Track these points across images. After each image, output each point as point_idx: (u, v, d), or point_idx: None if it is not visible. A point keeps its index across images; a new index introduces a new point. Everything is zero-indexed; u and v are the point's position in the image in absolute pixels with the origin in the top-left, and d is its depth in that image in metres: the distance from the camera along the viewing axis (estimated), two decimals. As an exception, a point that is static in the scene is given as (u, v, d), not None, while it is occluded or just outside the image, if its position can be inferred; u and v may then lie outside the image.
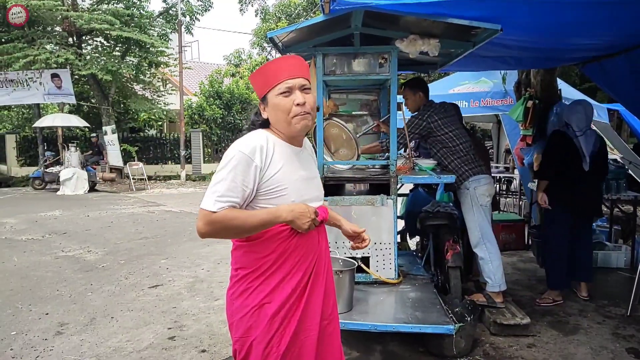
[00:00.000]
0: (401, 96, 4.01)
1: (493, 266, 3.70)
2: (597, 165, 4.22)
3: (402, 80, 4.44)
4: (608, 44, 4.13)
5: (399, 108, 3.89)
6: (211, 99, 19.53)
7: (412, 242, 5.55)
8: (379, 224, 3.53)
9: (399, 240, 5.34)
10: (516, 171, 9.05)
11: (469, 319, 3.48)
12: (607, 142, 8.53)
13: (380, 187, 3.62)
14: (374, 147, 4.01)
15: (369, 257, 3.54)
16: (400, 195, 5.28)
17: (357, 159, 3.70)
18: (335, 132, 3.73)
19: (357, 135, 4.58)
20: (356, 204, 3.49)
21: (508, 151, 11.43)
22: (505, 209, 8.93)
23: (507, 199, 9.42)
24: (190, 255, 6.21)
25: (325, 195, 2.84)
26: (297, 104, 1.70)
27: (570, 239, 4.26)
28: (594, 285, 4.64)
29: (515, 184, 9.76)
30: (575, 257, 4.30)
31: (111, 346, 3.58)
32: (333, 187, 3.65)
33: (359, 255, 3.52)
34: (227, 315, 1.84)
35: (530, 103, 5.94)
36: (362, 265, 3.50)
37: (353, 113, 4.57)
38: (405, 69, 4.64)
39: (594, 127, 4.68)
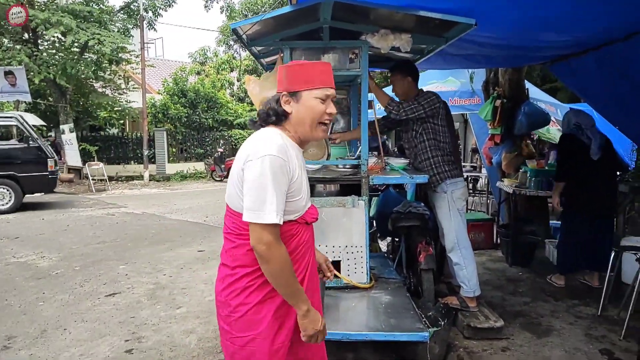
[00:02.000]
0: (372, 94, 3.84)
1: (468, 272, 3.60)
2: (606, 160, 4.48)
3: (378, 75, 4.27)
4: (578, 42, 4.11)
5: (370, 106, 3.74)
6: (175, 97, 19.03)
7: (383, 244, 5.45)
8: (350, 226, 3.38)
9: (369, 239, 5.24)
10: (483, 170, 9.12)
11: (442, 323, 3.39)
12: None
13: (351, 187, 3.48)
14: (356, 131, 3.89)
15: (340, 260, 3.38)
16: (371, 195, 5.17)
17: (327, 159, 3.54)
18: (304, 131, 3.55)
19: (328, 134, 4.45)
20: (326, 206, 3.33)
21: (475, 150, 11.56)
22: (472, 208, 8.98)
23: (474, 198, 9.48)
24: (152, 260, 5.91)
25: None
26: (329, 114, 1.75)
27: (589, 232, 4.49)
28: (563, 284, 4.66)
29: (482, 182, 9.84)
30: (593, 249, 4.49)
31: (62, 362, 3.30)
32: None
33: (329, 260, 3.35)
34: (219, 318, 1.80)
35: (498, 102, 5.94)
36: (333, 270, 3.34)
37: (322, 111, 4.40)
38: (376, 65, 4.51)
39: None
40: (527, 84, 6.63)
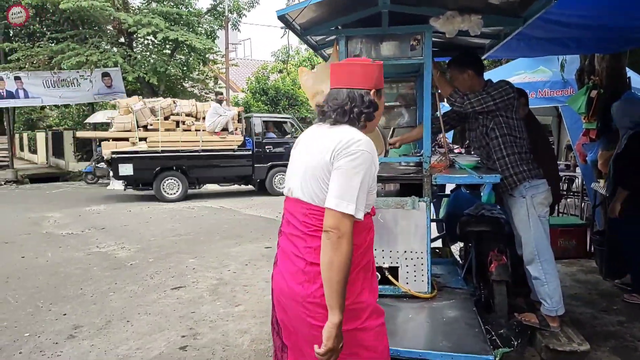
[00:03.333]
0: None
1: (549, 288, 3.12)
2: None
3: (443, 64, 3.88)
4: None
5: (436, 100, 3.41)
6: (257, 94, 19.48)
7: (456, 248, 5.04)
8: (409, 230, 3.09)
9: (440, 245, 4.87)
10: (578, 169, 8.24)
11: (515, 343, 3.00)
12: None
13: (411, 187, 3.17)
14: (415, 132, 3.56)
15: (398, 267, 3.10)
16: (441, 195, 4.79)
17: (385, 155, 3.27)
18: (362, 125, 3.31)
19: (392, 129, 4.15)
20: (383, 207, 3.07)
21: (569, 147, 10.51)
22: (565, 211, 8.14)
23: (568, 200, 8.60)
24: (220, 254, 5.98)
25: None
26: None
27: None
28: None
29: (577, 183, 8.91)
30: None
31: (119, 354, 3.36)
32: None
33: (385, 265, 3.10)
34: (302, 325, 1.72)
35: (594, 93, 5.26)
36: (389, 276, 3.08)
37: (385, 104, 4.10)
38: (445, 54, 4.12)
39: None
40: (629, 72, 5.82)
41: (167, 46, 17.13)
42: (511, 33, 3.32)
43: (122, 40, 16.57)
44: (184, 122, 11.18)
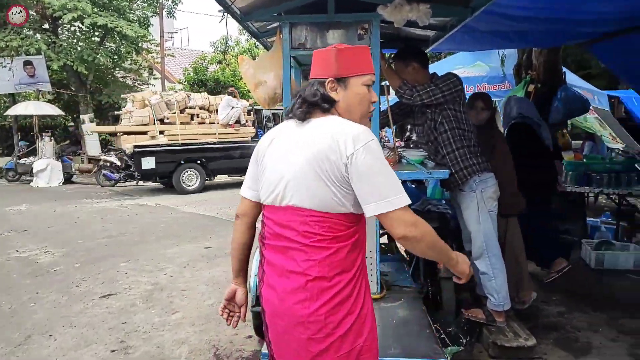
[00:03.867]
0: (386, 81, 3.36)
1: (497, 283, 3.11)
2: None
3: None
4: (625, 15, 3.56)
5: (383, 92, 3.29)
6: (196, 86, 18.79)
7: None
8: (358, 229, 2.95)
9: (385, 241, 4.79)
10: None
11: (464, 341, 2.95)
12: (609, 131, 8.04)
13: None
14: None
15: (346, 267, 2.96)
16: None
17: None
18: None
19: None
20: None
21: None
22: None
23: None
24: (155, 256, 5.60)
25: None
26: (374, 102, 1.66)
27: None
28: (601, 291, 4.14)
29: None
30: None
31: (39, 375, 3.00)
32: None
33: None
34: (297, 343, 1.54)
35: (531, 87, 5.39)
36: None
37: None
38: (389, 46, 4.02)
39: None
40: (563, 69, 6.03)
41: (96, 33, 16.07)
42: (457, 25, 3.26)
43: (46, 26, 15.34)
44: (197, 115, 11.52)
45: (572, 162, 5.02)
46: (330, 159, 1.47)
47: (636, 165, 5.41)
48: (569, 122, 6.90)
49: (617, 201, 5.40)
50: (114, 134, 12.24)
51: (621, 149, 7.49)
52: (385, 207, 1.45)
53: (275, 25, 3.28)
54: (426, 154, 3.29)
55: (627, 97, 10.46)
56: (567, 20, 3.70)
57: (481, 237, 3.08)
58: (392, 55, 3.35)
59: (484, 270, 3.13)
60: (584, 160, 5.22)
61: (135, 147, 10.49)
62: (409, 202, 1.48)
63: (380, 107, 3.26)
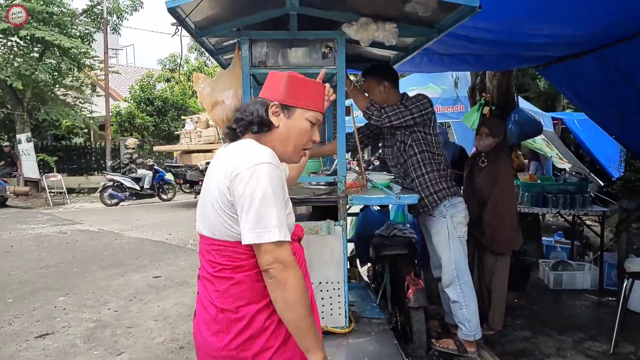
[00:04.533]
0: (350, 100, 3.23)
1: (468, 312, 3.00)
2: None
3: (352, 77, 3.64)
4: (577, 40, 3.64)
5: (348, 112, 3.14)
6: (143, 104, 18.15)
7: (363, 269, 4.83)
8: (324, 258, 2.76)
9: (348, 266, 4.62)
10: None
11: (437, 375, 2.80)
12: (557, 152, 8.33)
13: (325, 210, 2.86)
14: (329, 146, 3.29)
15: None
16: (349, 214, 4.56)
17: (295, 175, 2.91)
18: (268, 141, 2.93)
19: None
20: (295, 234, 2.70)
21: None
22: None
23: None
24: (98, 289, 5.14)
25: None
26: (313, 141, 1.61)
27: None
28: (563, 312, 4.15)
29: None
30: None
31: None
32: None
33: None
34: None
35: (486, 109, 5.45)
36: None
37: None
38: (353, 67, 3.92)
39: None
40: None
41: (35, 49, 15.20)
42: (420, 46, 3.19)
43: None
44: None
45: (527, 183, 5.07)
46: (220, 182, 1.43)
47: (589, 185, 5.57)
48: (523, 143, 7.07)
49: (569, 221, 5.50)
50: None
51: (568, 169, 7.76)
52: (256, 237, 1.36)
53: (233, 41, 3.08)
54: (392, 177, 3.17)
55: (568, 120, 10.96)
56: (521, 44, 3.74)
57: (452, 264, 2.97)
58: (362, 72, 3.23)
59: (454, 299, 3.02)
60: (538, 181, 5.29)
61: (207, 163, 10.59)
62: (285, 238, 1.38)
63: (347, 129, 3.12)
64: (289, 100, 1.53)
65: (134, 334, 3.90)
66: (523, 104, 8.00)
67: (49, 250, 7.07)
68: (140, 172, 13.03)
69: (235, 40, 2.85)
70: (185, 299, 4.70)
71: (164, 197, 13.49)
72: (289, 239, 1.40)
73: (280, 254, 1.37)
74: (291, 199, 2.87)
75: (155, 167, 13.63)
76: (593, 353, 3.46)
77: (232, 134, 1.55)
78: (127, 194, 12.58)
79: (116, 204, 12.49)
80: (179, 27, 2.38)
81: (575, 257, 5.53)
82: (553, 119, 10.99)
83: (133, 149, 13.98)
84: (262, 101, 1.55)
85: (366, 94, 3.08)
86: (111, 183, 12.62)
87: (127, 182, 12.60)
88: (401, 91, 3.12)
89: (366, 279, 4.57)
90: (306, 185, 3.26)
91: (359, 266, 4.61)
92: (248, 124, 1.52)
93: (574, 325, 3.94)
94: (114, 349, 3.62)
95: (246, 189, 1.36)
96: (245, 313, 1.44)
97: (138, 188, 12.73)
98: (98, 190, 13.30)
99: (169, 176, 13.89)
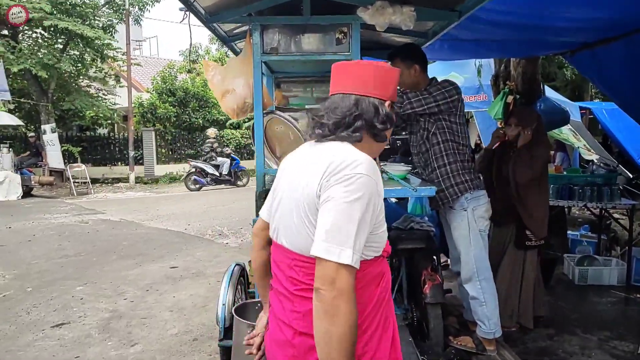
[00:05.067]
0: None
1: (488, 309, 2.88)
2: None
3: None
4: (609, 23, 3.44)
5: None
6: (164, 95, 18.28)
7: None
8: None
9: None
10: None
11: (454, 374, 2.70)
12: (584, 142, 8.04)
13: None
14: None
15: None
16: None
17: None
18: (281, 131, 2.85)
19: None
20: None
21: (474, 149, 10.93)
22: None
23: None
24: (115, 279, 5.17)
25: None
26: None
27: None
28: (588, 309, 3.98)
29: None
30: None
31: None
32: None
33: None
34: None
35: (510, 98, 5.24)
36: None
37: (307, 107, 3.68)
38: (369, 54, 3.79)
39: None
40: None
41: (59, 40, 15.43)
42: (440, 31, 3.05)
43: (4, 32, 14.62)
44: None
45: (553, 175, 4.88)
46: (312, 189, 1.24)
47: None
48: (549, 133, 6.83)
49: (596, 214, 5.30)
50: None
51: (595, 160, 7.48)
52: (324, 250, 1.17)
53: (245, 28, 3.00)
54: (410, 168, 3.05)
55: (597, 109, 10.58)
56: (547, 29, 3.55)
57: (472, 259, 2.85)
58: (389, 55, 3.11)
59: (474, 295, 2.90)
60: (564, 172, 5.10)
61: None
62: (355, 263, 1.18)
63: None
64: (395, 96, 1.38)
65: (148, 325, 3.90)
66: (549, 93, 7.74)
67: (70, 240, 7.17)
68: (220, 159, 14.16)
69: (247, 27, 2.77)
70: (201, 290, 4.69)
71: (239, 183, 14.48)
72: (357, 267, 1.20)
73: (342, 278, 1.16)
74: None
75: (232, 155, 14.74)
76: (619, 352, 3.31)
77: (324, 132, 1.35)
78: (209, 179, 13.79)
79: (198, 189, 13.66)
80: (187, 13, 2.30)
81: (602, 251, 5.33)
82: (581, 108, 10.63)
83: (214, 138, 14.82)
84: (379, 101, 1.35)
85: None
86: (194, 170, 13.89)
87: (209, 169, 13.81)
88: None
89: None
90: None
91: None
92: (371, 127, 1.34)
93: (599, 323, 3.78)
94: (128, 340, 3.62)
95: (338, 194, 1.20)
96: None
97: (218, 174, 13.88)
98: (182, 178, 14.73)
99: (243, 164, 15.20)
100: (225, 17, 2.61)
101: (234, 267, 3.00)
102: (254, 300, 2.32)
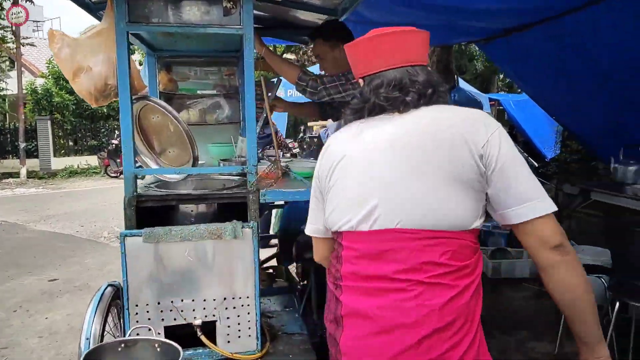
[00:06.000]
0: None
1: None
2: None
3: (280, 48, 3.06)
4: (526, 8, 3.31)
5: (259, 85, 2.59)
6: (62, 80, 16.54)
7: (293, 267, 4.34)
8: (230, 269, 2.21)
9: (274, 264, 4.11)
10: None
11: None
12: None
13: (233, 207, 2.31)
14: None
15: (215, 321, 2.21)
16: (274, 207, 4.03)
17: (192, 165, 2.33)
18: (158, 122, 2.32)
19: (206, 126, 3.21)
20: (192, 239, 2.13)
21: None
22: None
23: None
24: (-23, 297, 4.33)
25: (146, 223, 2.10)
26: None
27: None
28: (504, 305, 3.89)
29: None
30: None
31: None
32: (156, 210, 2.23)
33: (197, 320, 2.18)
34: None
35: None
36: (202, 337, 2.16)
37: (199, 92, 3.14)
38: (267, 34, 3.34)
39: None
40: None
41: None
42: (350, 6, 2.67)
43: None
44: None
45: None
46: (462, 155, 1.12)
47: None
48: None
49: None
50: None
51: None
52: (541, 208, 1.12)
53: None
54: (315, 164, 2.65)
55: (505, 100, 10.98)
56: (467, 11, 3.34)
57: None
58: (310, 34, 2.69)
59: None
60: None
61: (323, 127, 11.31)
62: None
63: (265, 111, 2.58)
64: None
65: (8, 357, 3.19)
66: (462, 85, 7.79)
67: None
68: None
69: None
70: (82, 307, 3.97)
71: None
72: None
73: (559, 227, 1.15)
74: (189, 194, 2.31)
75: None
76: (537, 354, 3.23)
77: (413, 100, 1.22)
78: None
79: (120, 173, 13.55)
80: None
81: (512, 244, 5.34)
82: (490, 99, 10.98)
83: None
84: (418, 68, 1.25)
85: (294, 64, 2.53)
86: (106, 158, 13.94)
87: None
88: None
89: (295, 276, 4.08)
90: (215, 176, 2.69)
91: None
92: (443, 94, 1.26)
93: (515, 321, 3.68)
94: (-24, 381, 2.93)
95: (510, 151, 1.15)
96: (461, 326, 1.13)
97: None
98: (92, 170, 14.62)
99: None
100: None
101: (105, 288, 2.43)
102: (115, 340, 1.81)
